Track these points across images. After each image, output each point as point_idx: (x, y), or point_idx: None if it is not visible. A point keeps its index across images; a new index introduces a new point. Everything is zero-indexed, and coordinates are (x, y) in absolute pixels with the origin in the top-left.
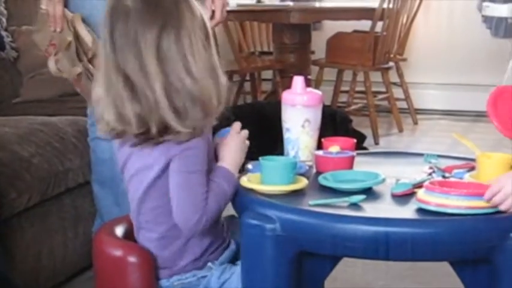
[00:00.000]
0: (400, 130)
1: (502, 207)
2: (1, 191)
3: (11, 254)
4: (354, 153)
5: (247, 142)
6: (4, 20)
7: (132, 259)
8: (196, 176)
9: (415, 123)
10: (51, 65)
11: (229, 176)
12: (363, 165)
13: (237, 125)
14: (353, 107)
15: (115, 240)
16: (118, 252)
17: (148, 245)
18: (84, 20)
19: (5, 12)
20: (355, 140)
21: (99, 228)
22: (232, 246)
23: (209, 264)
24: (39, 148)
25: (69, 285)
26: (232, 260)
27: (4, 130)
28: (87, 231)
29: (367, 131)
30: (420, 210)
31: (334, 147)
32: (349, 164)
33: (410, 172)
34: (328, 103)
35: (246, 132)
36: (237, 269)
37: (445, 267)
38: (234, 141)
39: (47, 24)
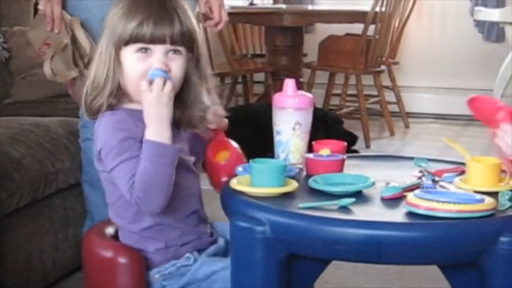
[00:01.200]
0: (392, 133)
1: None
2: None
3: (1, 255)
4: (344, 156)
5: (168, 88)
6: None
7: (122, 260)
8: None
9: (407, 126)
10: (47, 69)
11: (148, 147)
12: (354, 168)
13: (160, 79)
14: (345, 110)
15: (105, 241)
16: (108, 253)
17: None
18: (82, 25)
19: None
20: (345, 143)
21: (89, 229)
22: (221, 242)
23: (188, 255)
24: (30, 149)
25: (59, 286)
26: (222, 255)
27: None
28: (77, 232)
29: (358, 134)
30: (410, 214)
31: (325, 150)
32: (339, 167)
33: (401, 176)
34: (320, 106)
35: (169, 87)
36: (227, 261)
37: (434, 270)
38: (159, 98)
39: (43, 24)
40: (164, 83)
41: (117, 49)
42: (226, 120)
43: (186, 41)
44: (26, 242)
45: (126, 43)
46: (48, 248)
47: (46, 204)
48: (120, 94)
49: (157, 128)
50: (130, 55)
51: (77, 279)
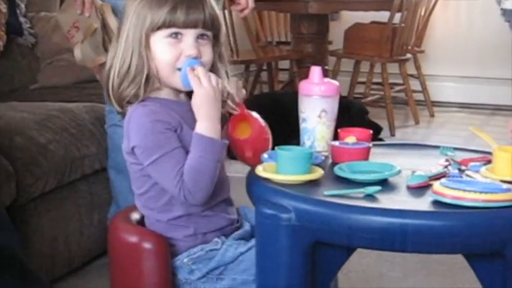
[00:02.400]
0: (417, 122)
1: None
2: (18, 177)
3: (27, 240)
4: (370, 144)
5: (216, 81)
6: (23, 6)
7: (147, 245)
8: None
9: (432, 115)
10: (77, 53)
11: (202, 143)
12: (379, 157)
13: (204, 73)
14: (369, 98)
15: (130, 226)
16: (133, 239)
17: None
18: (112, 10)
19: None
20: (371, 131)
21: (114, 215)
22: (246, 227)
23: (216, 239)
24: (56, 134)
25: (84, 271)
26: (248, 239)
27: (22, 116)
28: (102, 217)
29: (383, 123)
30: (436, 203)
31: (351, 138)
32: (365, 155)
33: (426, 164)
34: (344, 94)
35: (215, 79)
36: (253, 244)
37: (459, 260)
38: (207, 94)
39: (74, 7)
40: (206, 75)
41: (147, 35)
42: (244, 91)
43: (214, 25)
44: (52, 227)
45: (158, 28)
46: (73, 233)
47: (71, 189)
48: (150, 82)
49: (209, 123)
50: (160, 40)
51: (102, 264)
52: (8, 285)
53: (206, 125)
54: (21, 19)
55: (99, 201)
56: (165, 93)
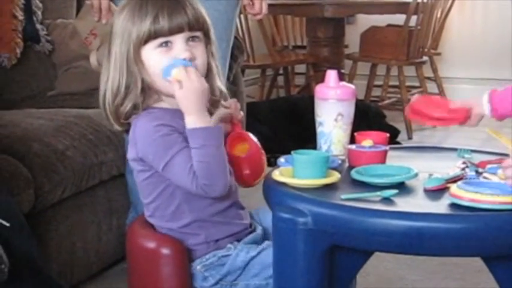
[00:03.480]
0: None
1: None
2: (36, 183)
3: (46, 246)
4: (387, 147)
5: (193, 74)
6: (39, 13)
7: (165, 251)
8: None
9: None
10: (93, 59)
11: (197, 135)
12: (396, 160)
13: (182, 68)
14: (386, 101)
15: (148, 232)
16: (151, 244)
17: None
18: None
19: (40, 5)
20: (388, 134)
21: (133, 221)
22: (258, 231)
23: (229, 245)
24: (73, 140)
25: (103, 277)
26: (259, 243)
27: (39, 122)
28: (120, 223)
29: (400, 126)
30: (453, 205)
31: (367, 141)
32: (382, 158)
33: (444, 167)
34: (361, 97)
35: (194, 72)
36: (264, 247)
37: (477, 262)
38: (188, 87)
39: (91, 14)
40: (187, 71)
41: (136, 50)
42: (242, 113)
43: (201, 25)
44: (70, 233)
45: (146, 41)
46: (91, 239)
47: (90, 195)
48: (147, 94)
49: (196, 116)
50: (151, 52)
51: (120, 269)
52: None
53: (194, 117)
54: (38, 26)
55: (117, 207)
56: (166, 103)
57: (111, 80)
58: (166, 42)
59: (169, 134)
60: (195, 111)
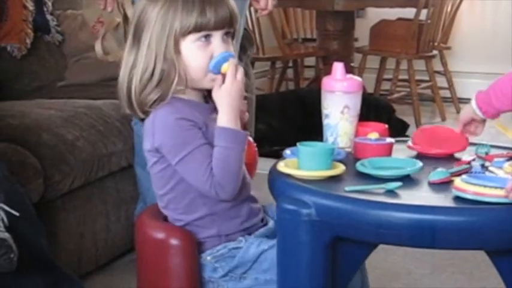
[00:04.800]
0: (443, 119)
1: None
2: (45, 174)
3: (54, 236)
4: (393, 140)
5: (241, 74)
6: (50, 3)
7: (174, 242)
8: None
9: (458, 112)
10: (98, 48)
11: (227, 134)
12: (403, 153)
13: (233, 65)
14: (396, 95)
15: (157, 223)
16: (160, 235)
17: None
18: (133, 3)
19: None
20: (386, 126)
21: (141, 212)
22: (271, 224)
23: (240, 238)
24: (83, 131)
25: (111, 267)
26: (271, 237)
27: (49, 113)
28: (129, 214)
29: (409, 120)
30: (457, 199)
31: (373, 133)
32: (388, 150)
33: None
34: (371, 91)
35: (242, 73)
36: (275, 242)
37: (486, 257)
38: (234, 85)
39: (96, 2)
40: (237, 68)
41: (177, 40)
42: (247, 114)
43: (236, 21)
44: (79, 224)
45: (189, 33)
46: (100, 230)
47: (99, 186)
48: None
49: (231, 116)
50: (191, 44)
51: (129, 260)
52: (38, 281)
53: (228, 117)
54: (48, 17)
55: (126, 198)
56: (188, 95)
57: (141, 66)
58: (206, 36)
59: (189, 129)
60: (231, 110)
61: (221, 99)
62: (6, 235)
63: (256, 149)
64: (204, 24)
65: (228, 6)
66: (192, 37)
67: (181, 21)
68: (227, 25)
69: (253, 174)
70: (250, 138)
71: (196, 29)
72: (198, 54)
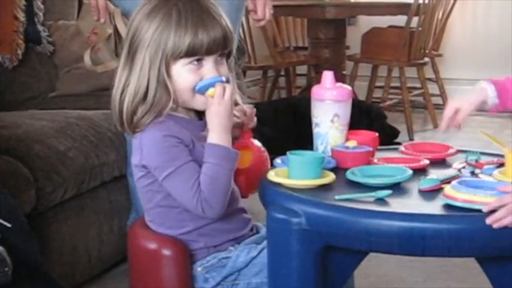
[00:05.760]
0: (435, 126)
1: (506, 222)
2: (37, 185)
3: (47, 247)
4: (370, 148)
5: (229, 94)
6: (41, 14)
7: (166, 252)
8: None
9: None
10: (87, 58)
11: (217, 152)
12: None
13: (220, 87)
14: (388, 102)
15: (150, 233)
16: (153, 245)
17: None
18: (125, 15)
19: (41, 7)
20: (376, 134)
21: (134, 222)
22: (262, 232)
23: (230, 247)
24: (75, 142)
25: (105, 278)
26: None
27: (41, 124)
28: (122, 224)
29: (401, 127)
30: (447, 206)
31: (351, 141)
32: (366, 158)
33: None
34: (363, 98)
35: (229, 93)
36: (264, 246)
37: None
38: (222, 105)
39: (90, 13)
40: (224, 90)
41: (168, 63)
42: (255, 120)
43: (231, 42)
44: (71, 234)
45: (181, 57)
46: (93, 240)
47: (91, 196)
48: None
49: (222, 135)
50: (181, 67)
51: (122, 271)
52: None
53: (219, 135)
54: (39, 27)
55: (118, 208)
56: (180, 112)
57: (134, 87)
58: (198, 60)
59: (176, 146)
60: (222, 129)
61: (210, 120)
62: (0, 248)
63: (265, 154)
64: (196, 49)
65: (221, 28)
66: (183, 61)
67: (174, 46)
68: (221, 48)
69: (249, 194)
70: (259, 144)
71: (188, 53)
72: (187, 77)
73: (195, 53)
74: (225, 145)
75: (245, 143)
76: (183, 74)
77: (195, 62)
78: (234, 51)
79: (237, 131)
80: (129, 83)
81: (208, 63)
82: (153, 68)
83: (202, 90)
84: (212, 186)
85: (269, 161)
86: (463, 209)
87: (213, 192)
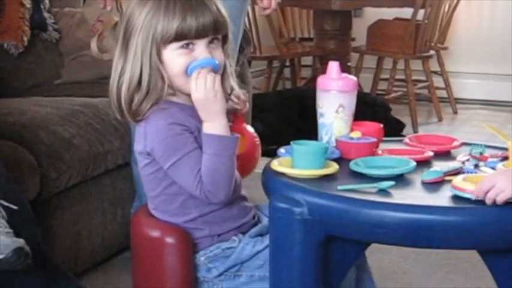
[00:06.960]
0: (440, 119)
1: (497, 200)
2: (42, 171)
3: (51, 234)
4: (375, 139)
5: (211, 81)
6: (47, 1)
7: (169, 240)
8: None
9: (455, 112)
10: (93, 46)
11: (211, 141)
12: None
13: (195, 73)
14: (392, 95)
15: (153, 221)
16: (156, 233)
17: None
18: None
19: None
20: (381, 125)
21: (137, 209)
22: (265, 222)
23: (233, 237)
24: (80, 129)
25: (107, 265)
26: (264, 234)
27: (46, 111)
28: (125, 212)
29: (406, 120)
30: (449, 198)
31: (356, 132)
32: (371, 149)
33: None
34: (367, 90)
35: (211, 81)
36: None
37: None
38: (200, 92)
39: (97, 1)
40: (199, 75)
41: (159, 48)
42: (248, 105)
43: (223, 27)
44: (75, 222)
45: (170, 41)
46: (96, 228)
47: (95, 184)
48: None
49: (213, 123)
50: (172, 52)
51: (125, 258)
52: (34, 279)
53: (211, 124)
54: (45, 14)
55: (122, 196)
56: (179, 99)
57: (129, 72)
58: (188, 44)
59: (180, 134)
60: (209, 118)
61: (198, 107)
62: (22, 241)
63: (257, 140)
64: (184, 34)
65: (212, 13)
66: (173, 45)
67: (163, 30)
68: (211, 32)
69: (251, 168)
70: (251, 129)
71: (177, 38)
72: (179, 61)
73: (184, 37)
74: (219, 133)
75: (238, 128)
76: (174, 58)
77: (186, 46)
78: (239, 40)
79: (230, 117)
80: (125, 71)
81: (200, 47)
82: (145, 54)
83: (192, 72)
84: (214, 177)
85: (260, 147)
86: (466, 200)
87: (214, 182)
